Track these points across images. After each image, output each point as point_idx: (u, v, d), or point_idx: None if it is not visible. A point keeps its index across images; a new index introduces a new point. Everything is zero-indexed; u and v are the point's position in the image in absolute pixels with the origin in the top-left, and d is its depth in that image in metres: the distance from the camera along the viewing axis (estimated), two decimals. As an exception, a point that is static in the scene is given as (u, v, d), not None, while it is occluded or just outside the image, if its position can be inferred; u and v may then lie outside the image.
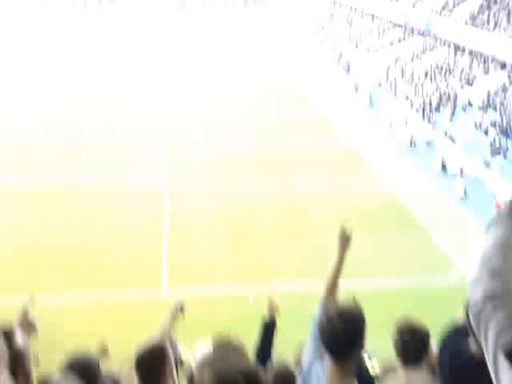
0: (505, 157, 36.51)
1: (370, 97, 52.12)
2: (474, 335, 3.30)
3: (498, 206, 31.52)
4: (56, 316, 20.50)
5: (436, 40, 56.85)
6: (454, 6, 56.20)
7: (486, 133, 39.48)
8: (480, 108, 43.07)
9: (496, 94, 43.63)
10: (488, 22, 48.68)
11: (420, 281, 25.78)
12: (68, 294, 24.23)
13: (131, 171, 36.39)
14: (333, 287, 4.98)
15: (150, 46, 72.63)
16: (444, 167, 37.54)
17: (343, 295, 4.76)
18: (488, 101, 43.08)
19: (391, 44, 63.71)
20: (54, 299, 22.64)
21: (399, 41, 63.44)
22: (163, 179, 35.27)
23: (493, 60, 47.29)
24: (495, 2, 51.76)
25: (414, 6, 62.78)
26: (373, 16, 73.47)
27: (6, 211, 31.35)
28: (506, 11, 48.64)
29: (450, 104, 45.05)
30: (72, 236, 28.83)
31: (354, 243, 5.22)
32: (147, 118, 46.13)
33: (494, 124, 39.72)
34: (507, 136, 38.17)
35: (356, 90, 55.54)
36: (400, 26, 65.26)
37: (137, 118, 46.37)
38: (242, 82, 58.03)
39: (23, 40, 72.37)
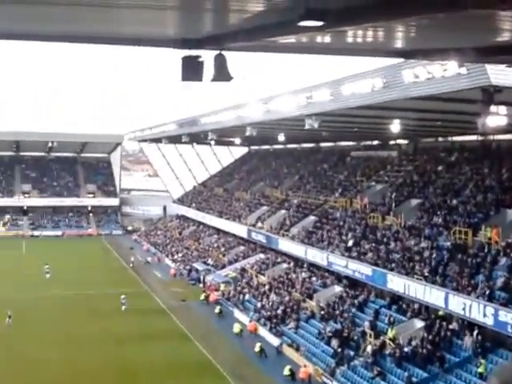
0: (348, 366, 36.61)
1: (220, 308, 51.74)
2: None
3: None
4: None
5: (277, 255, 58.42)
6: (291, 225, 58.37)
7: (329, 343, 39.71)
8: (321, 319, 43.60)
9: (335, 306, 44.40)
10: (322, 240, 50.53)
11: None
12: None
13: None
14: None
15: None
16: (292, 374, 36.85)
17: None
18: (328, 312, 43.72)
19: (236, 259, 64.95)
20: None
21: (244, 256, 64.76)
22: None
23: (330, 274, 48.70)
24: (327, 222, 54.20)
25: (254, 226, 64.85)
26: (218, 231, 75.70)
27: None
28: (337, 230, 50.82)
29: (294, 315, 45.45)
30: None
31: None
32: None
33: (335, 334, 40.07)
34: (348, 346, 38.51)
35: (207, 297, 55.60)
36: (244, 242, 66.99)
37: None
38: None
39: None
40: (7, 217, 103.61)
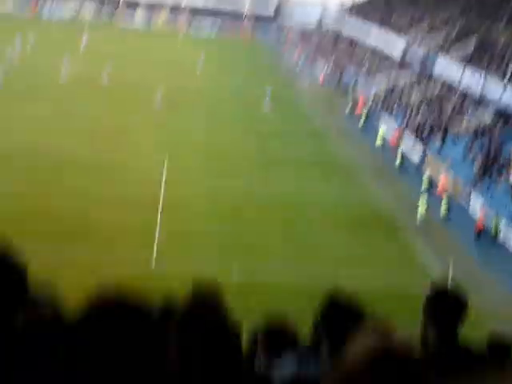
0: (490, 183, 37.55)
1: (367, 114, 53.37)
2: None
3: (477, 228, 32.52)
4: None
5: (432, 76, 58.18)
6: (450, 47, 57.68)
7: (474, 159, 40.63)
8: (469, 138, 44.22)
9: (484, 131, 44.77)
10: (480, 64, 50.00)
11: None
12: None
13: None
14: None
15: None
16: (431, 186, 38.28)
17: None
18: (477, 134, 44.25)
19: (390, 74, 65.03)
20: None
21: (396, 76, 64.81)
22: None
23: (483, 98, 48.37)
24: (488, 46, 53.11)
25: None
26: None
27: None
28: (499, 59, 49.91)
29: (441, 133, 46.32)
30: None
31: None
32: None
33: (481, 153, 40.84)
34: (493, 166, 39.15)
35: (353, 107, 57.15)
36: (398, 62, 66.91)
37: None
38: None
39: None
40: (165, 12, 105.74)
